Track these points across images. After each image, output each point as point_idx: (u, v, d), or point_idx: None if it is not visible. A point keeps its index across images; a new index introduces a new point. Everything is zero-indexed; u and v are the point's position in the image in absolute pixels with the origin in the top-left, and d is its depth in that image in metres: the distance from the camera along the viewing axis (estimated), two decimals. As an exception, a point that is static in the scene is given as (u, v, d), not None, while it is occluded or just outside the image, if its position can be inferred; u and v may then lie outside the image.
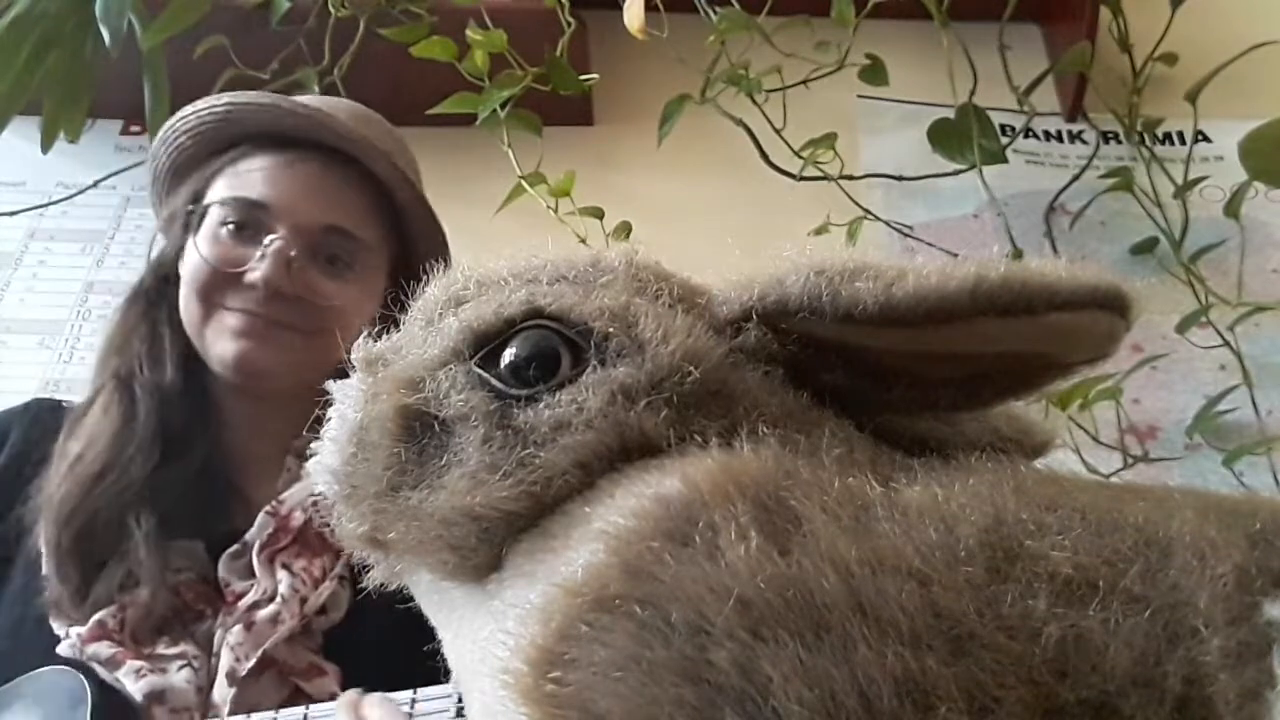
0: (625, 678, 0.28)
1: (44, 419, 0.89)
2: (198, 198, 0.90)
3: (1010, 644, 0.28)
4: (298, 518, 0.81)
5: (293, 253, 0.84)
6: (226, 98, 0.91)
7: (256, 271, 0.84)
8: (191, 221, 0.89)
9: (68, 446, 0.84)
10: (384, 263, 0.92)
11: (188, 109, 0.92)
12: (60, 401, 0.94)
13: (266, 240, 0.85)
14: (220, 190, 0.88)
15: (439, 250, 0.95)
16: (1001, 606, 0.29)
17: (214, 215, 0.87)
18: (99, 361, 0.90)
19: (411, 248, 0.94)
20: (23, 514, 0.82)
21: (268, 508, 0.81)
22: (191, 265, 0.87)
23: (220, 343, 0.85)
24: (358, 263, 0.89)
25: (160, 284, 0.91)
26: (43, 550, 0.79)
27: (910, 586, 0.29)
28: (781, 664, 0.27)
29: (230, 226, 0.86)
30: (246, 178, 0.88)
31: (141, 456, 0.82)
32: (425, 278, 0.96)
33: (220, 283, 0.85)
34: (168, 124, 0.93)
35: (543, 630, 0.30)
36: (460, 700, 0.55)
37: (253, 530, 0.80)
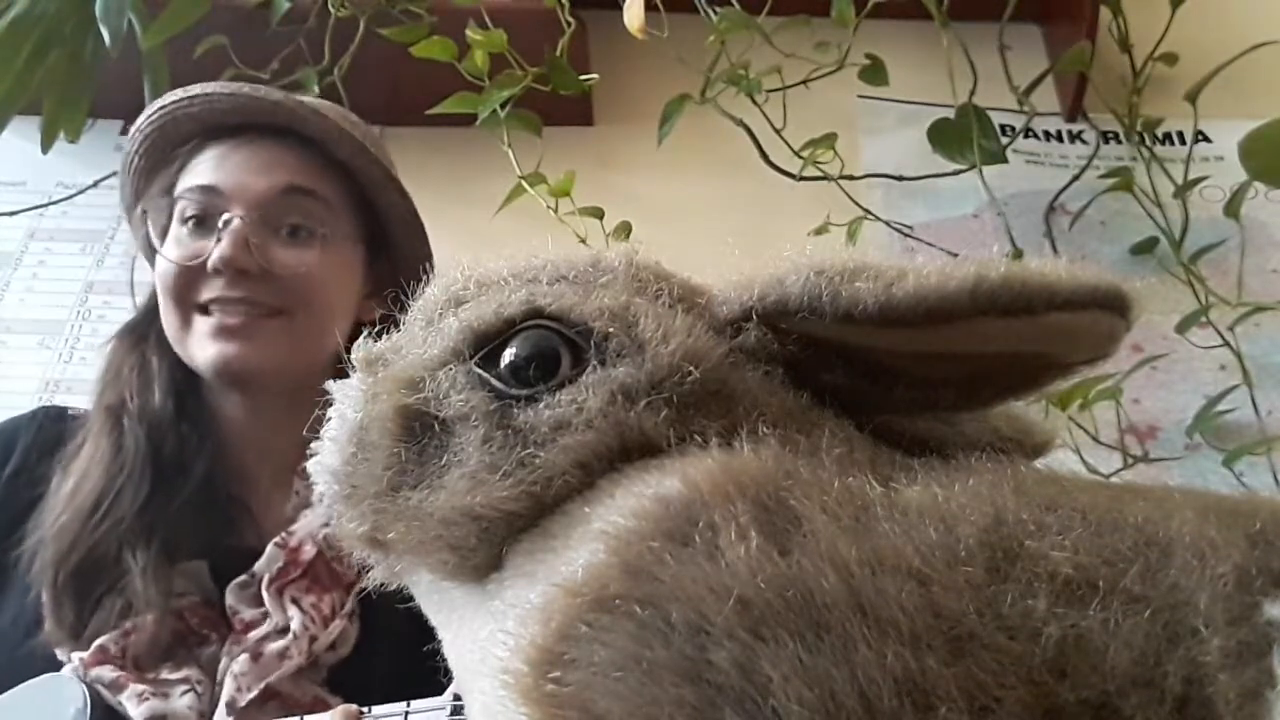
0: (625, 678, 0.28)
1: (48, 429, 0.89)
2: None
3: (1010, 644, 0.28)
4: (308, 551, 0.80)
5: (249, 228, 0.83)
6: (156, 105, 0.90)
7: (216, 253, 0.82)
8: (154, 230, 0.88)
9: (63, 483, 0.83)
10: (350, 228, 0.90)
11: (133, 128, 0.91)
12: (66, 409, 0.93)
13: (221, 221, 0.83)
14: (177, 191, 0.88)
15: (408, 218, 0.92)
16: (1001, 606, 0.29)
17: (175, 217, 0.87)
18: (92, 398, 0.89)
19: (379, 211, 0.92)
20: (26, 531, 0.82)
21: (277, 539, 0.80)
22: (161, 271, 0.86)
23: (201, 350, 0.84)
24: (321, 226, 0.86)
25: (148, 316, 0.90)
26: (38, 582, 0.79)
27: (910, 586, 0.29)
28: (781, 664, 0.27)
29: (190, 224, 0.86)
30: (195, 171, 0.87)
31: (132, 487, 0.81)
32: (402, 247, 0.93)
33: (189, 280, 0.84)
34: (124, 154, 0.92)
35: (543, 630, 0.30)
36: (453, 712, 0.55)
37: (261, 562, 0.79)
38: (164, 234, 0.88)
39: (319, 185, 0.88)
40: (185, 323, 0.85)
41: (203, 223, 0.85)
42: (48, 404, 0.98)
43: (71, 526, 0.79)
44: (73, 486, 0.82)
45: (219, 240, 0.83)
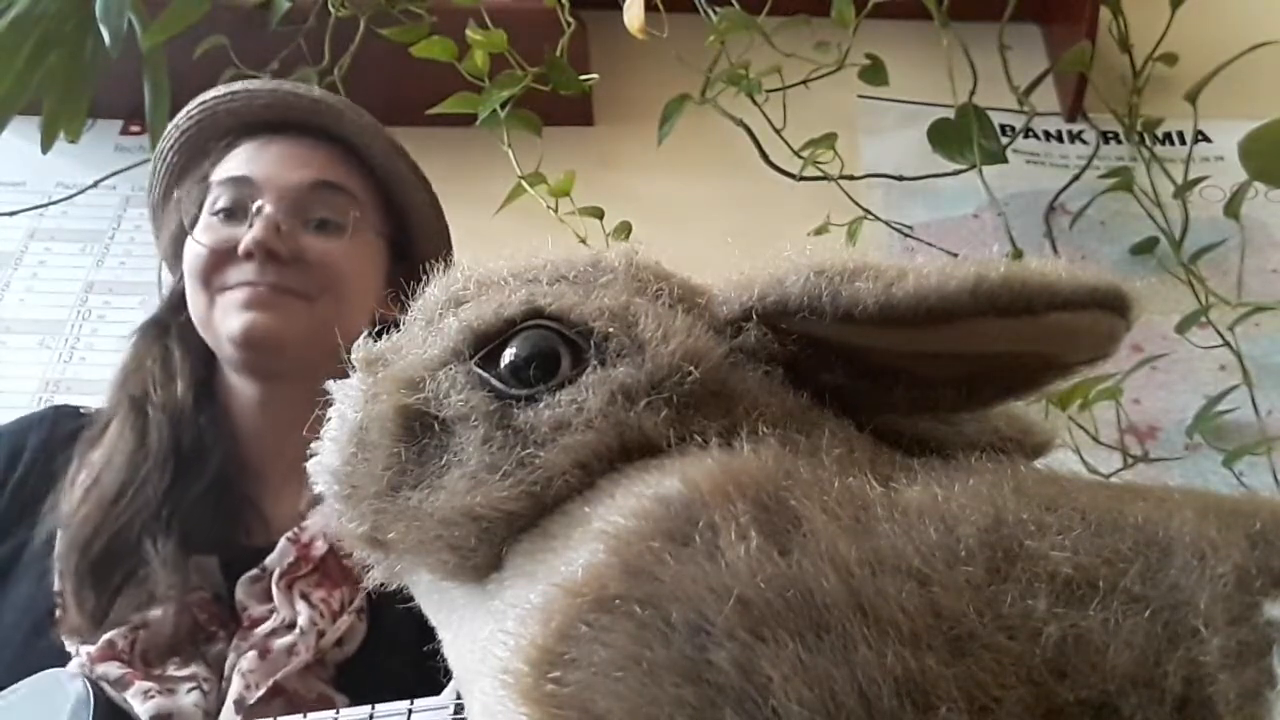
0: (625, 678, 0.28)
1: (63, 425, 0.90)
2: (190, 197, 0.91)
3: (1010, 644, 0.28)
4: (319, 547, 0.80)
5: (280, 216, 0.85)
6: (197, 101, 0.92)
7: (248, 237, 0.84)
8: (185, 218, 0.90)
9: (83, 469, 0.84)
10: (377, 224, 0.92)
11: (169, 126, 0.94)
12: (79, 408, 0.94)
13: (254, 208, 0.85)
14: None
15: (434, 220, 0.95)
16: (1001, 606, 0.29)
17: (206, 207, 0.89)
18: (113, 387, 0.90)
19: (406, 215, 0.94)
20: (36, 526, 0.82)
21: (289, 534, 0.80)
22: (190, 256, 0.88)
23: (227, 320, 0.85)
24: (349, 221, 0.88)
25: (172, 311, 0.92)
26: (58, 568, 0.79)
27: (910, 586, 0.29)
28: (781, 664, 0.27)
29: (221, 214, 0.88)
30: (230, 164, 0.90)
31: (157, 475, 0.82)
32: (425, 250, 0.95)
33: (218, 264, 0.86)
34: (155, 151, 0.95)
35: (543, 630, 0.30)
36: (456, 711, 0.55)
37: (273, 557, 0.79)
38: (194, 224, 0.90)
39: (348, 182, 0.90)
40: (211, 303, 0.86)
41: (233, 214, 0.87)
42: (60, 404, 0.99)
43: (95, 514, 0.80)
44: (95, 474, 0.83)
45: (251, 225, 0.85)
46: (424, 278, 0.94)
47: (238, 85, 0.92)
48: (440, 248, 0.95)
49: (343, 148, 0.91)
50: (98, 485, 0.82)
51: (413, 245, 0.95)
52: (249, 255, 0.84)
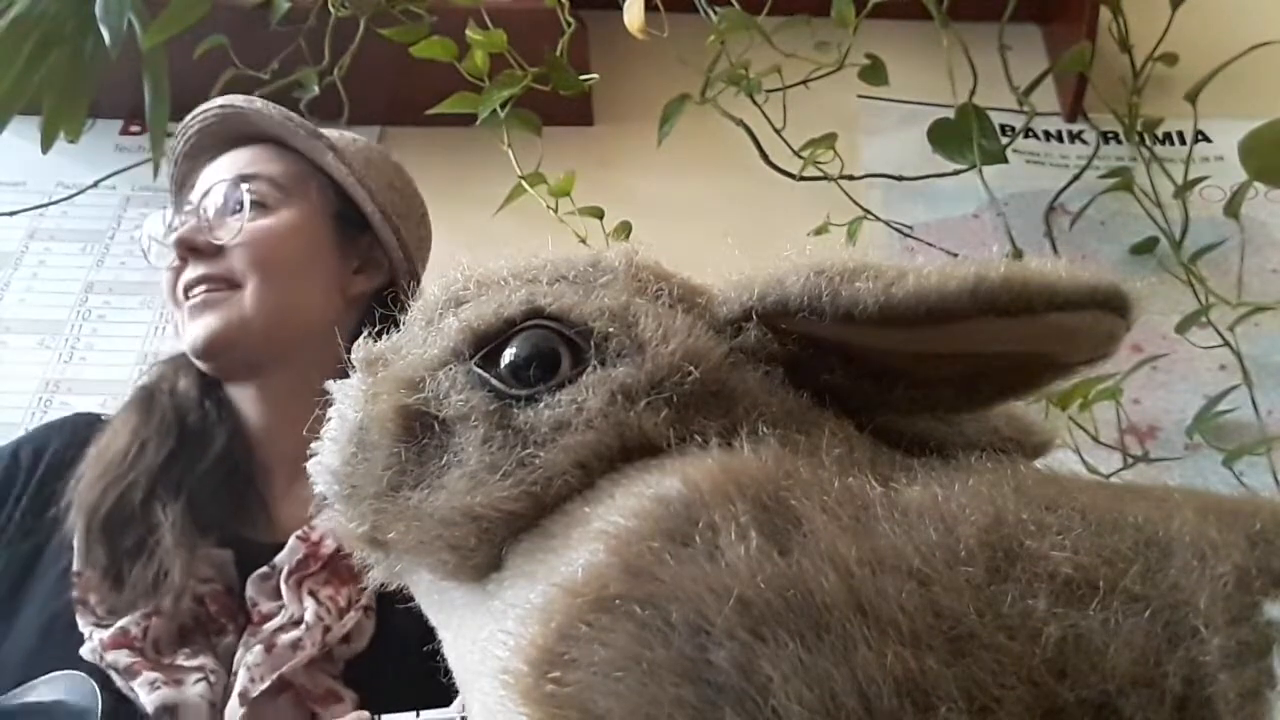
0: (625, 678, 0.28)
1: (82, 430, 0.92)
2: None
3: (1010, 644, 0.28)
4: (328, 545, 0.81)
5: (204, 212, 0.90)
6: (169, 161, 1.00)
7: (173, 239, 0.89)
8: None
9: (95, 448, 0.87)
10: (312, 201, 0.94)
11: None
12: (99, 415, 0.96)
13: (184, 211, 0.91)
14: None
15: (353, 185, 0.94)
16: (1001, 606, 0.29)
17: None
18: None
19: (341, 185, 0.96)
20: (57, 514, 0.84)
21: (299, 533, 0.82)
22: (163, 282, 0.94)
23: (187, 336, 0.89)
24: (269, 199, 0.91)
25: None
26: (75, 544, 0.80)
27: (910, 586, 0.29)
28: (781, 664, 0.27)
29: None
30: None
31: (158, 439, 0.86)
32: (370, 217, 0.95)
33: (173, 282, 0.91)
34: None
35: (543, 630, 0.30)
36: None
37: (283, 555, 0.81)
38: None
39: (268, 169, 0.93)
40: (180, 322, 0.91)
41: None
42: (82, 411, 1.02)
43: (101, 478, 0.83)
44: (102, 447, 0.87)
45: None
46: (382, 246, 0.93)
47: (181, 126, 0.97)
48: (369, 208, 0.95)
49: (271, 143, 0.95)
50: (103, 455, 0.85)
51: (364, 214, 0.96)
52: (181, 258, 0.89)
